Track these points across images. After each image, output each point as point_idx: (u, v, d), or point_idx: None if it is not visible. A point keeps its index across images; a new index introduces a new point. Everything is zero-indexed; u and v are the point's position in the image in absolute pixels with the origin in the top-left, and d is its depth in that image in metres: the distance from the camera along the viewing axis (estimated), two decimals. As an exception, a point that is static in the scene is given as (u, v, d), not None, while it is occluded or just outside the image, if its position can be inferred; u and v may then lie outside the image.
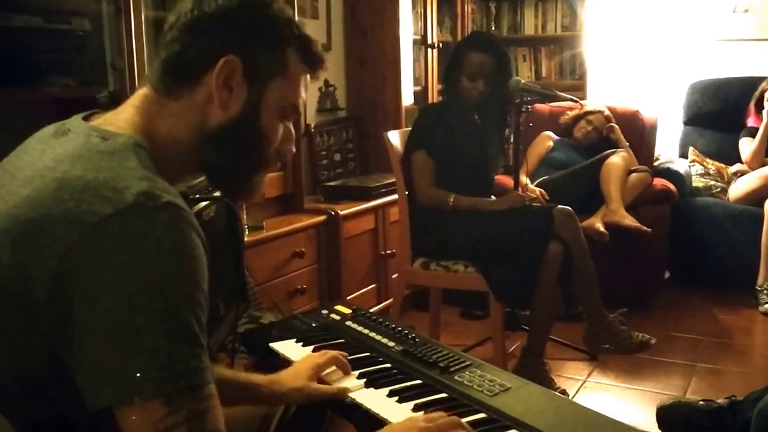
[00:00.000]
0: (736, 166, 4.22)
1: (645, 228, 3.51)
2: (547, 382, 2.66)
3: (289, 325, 1.61)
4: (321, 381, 1.33)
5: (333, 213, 3.27)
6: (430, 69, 4.24)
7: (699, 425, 2.29)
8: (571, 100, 3.16)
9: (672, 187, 3.87)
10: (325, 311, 1.67)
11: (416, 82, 4.19)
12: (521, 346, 2.86)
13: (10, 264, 0.86)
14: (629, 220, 3.53)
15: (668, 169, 4.11)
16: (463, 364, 1.33)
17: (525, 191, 3.30)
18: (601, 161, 3.69)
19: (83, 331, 0.83)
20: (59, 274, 0.83)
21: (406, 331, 1.49)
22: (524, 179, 3.57)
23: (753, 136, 4.12)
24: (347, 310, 1.65)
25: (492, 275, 2.70)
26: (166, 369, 0.83)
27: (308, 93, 3.86)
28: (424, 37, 4.20)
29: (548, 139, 4.06)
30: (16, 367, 0.88)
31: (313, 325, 1.59)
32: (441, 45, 4.31)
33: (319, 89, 3.82)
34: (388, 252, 3.57)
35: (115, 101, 1.05)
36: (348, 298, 3.27)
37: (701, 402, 2.36)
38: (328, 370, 1.35)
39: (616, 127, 4.04)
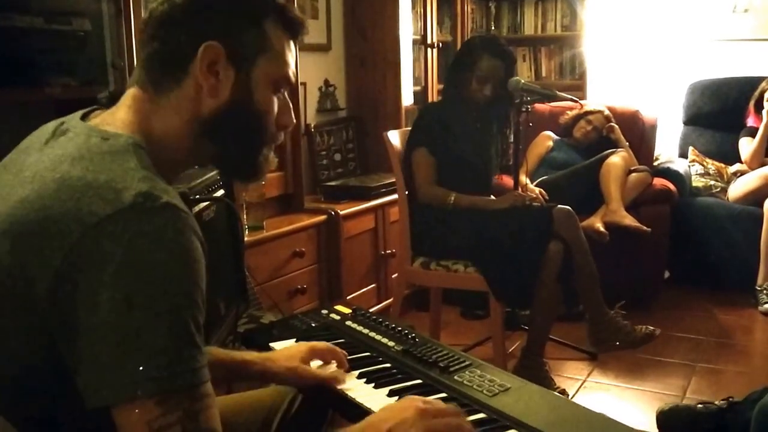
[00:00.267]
0: (736, 166, 4.22)
1: (645, 228, 3.52)
2: (547, 382, 2.66)
3: (289, 324, 1.62)
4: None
5: (333, 213, 3.27)
6: (430, 69, 4.24)
7: (700, 429, 2.29)
8: (571, 100, 3.16)
9: (672, 187, 3.87)
10: (325, 311, 1.67)
11: (416, 82, 4.19)
12: (521, 346, 2.86)
13: (10, 264, 0.86)
14: (629, 220, 3.53)
15: (668, 169, 4.11)
16: (462, 364, 1.33)
17: (525, 191, 3.30)
18: (600, 161, 3.69)
19: (83, 331, 0.83)
20: (60, 274, 0.83)
21: (406, 331, 1.50)
22: (524, 179, 3.57)
23: (753, 135, 4.13)
24: (347, 310, 1.65)
25: (492, 275, 2.70)
26: (164, 368, 0.83)
27: (307, 91, 3.87)
28: (424, 36, 4.20)
29: (548, 138, 4.06)
30: (17, 366, 0.89)
31: (313, 324, 1.60)
32: (441, 45, 4.31)
33: (319, 89, 3.82)
34: (388, 252, 3.57)
35: (115, 101, 1.05)
36: (348, 297, 3.28)
37: (699, 405, 2.36)
38: (328, 368, 1.35)
39: (616, 126, 4.04)
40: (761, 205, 3.79)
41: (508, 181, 3.30)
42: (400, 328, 1.51)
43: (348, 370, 1.35)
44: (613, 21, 4.86)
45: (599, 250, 3.06)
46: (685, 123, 4.63)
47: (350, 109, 4.06)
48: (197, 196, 1.76)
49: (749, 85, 4.29)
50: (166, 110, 1.01)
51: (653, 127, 4.23)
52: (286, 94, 1.09)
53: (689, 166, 4.31)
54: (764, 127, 4.03)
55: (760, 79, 4.22)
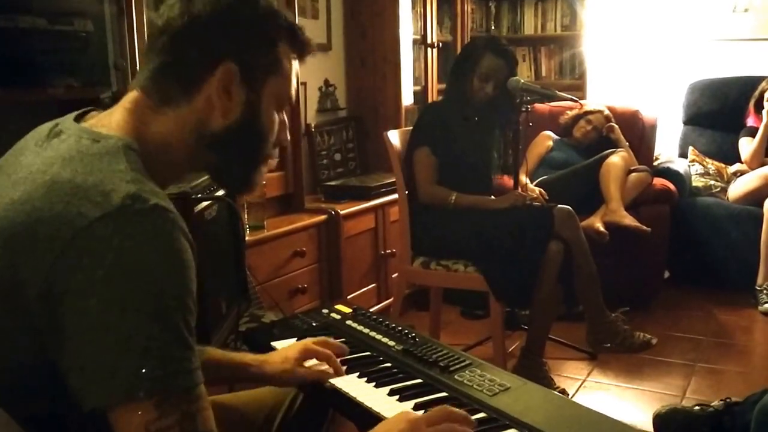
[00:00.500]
0: (736, 166, 4.22)
1: (645, 228, 3.52)
2: (547, 382, 2.66)
3: (290, 324, 1.62)
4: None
5: (333, 212, 3.28)
6: (430, 69, 4.24)
7: (698, 431, 2.29)
8: (571, 99, 3.16)
9: (672, 186, 3.87)
10: (325, 310, 1.67)
11: (416, 81, 4.19)
12: (521, 345, 2.87)
13: (1, 267, 0.86)
14: (629, 220, 3.54)
15: (668, 168, 4.11)
16: (463, 364, 1.34)
17: (525, 191, 3.30)
18: (600, 161, 3.70)
19: (75, 333, 0.83)
20: (51, 277, 0.83)
21: (407, 331, 1.50)
22: (524, 179, 3.57)
23: (753, 135, 4.13)
24: (347, 310, 1.66)
25: (492, 275, 2.71)
26: (157, 370, 0.83)
27: (308, 93, 3.87)
28: (424, 36, 4.21)
29: (548, 138, 4.06)
30: (15, 366, 0.89)
31: (314, 324, 1.60)
32: (441, 45, 4.32)
33: (319, 89, 3.83)
34: (388, 251, 3.58)
35: (117, 102, 1.05)
36: (348, 297, 3.28)
37: (696, 407, 2.35)
38: (322, 366, 1.35)
39: (616, 126, 4.05)
40: (761, 205, 3.80)
41: (508, 181, 3.30)
42: (400, 328, 1.52)
43: (344, 354, 1.37)
44: (613, 21, 4.87)
45: (599, 250, 3.07)
46: (685, 123, 4.63)
47: (350, 109, 4.06)
48: (198, 196, 1.77)
49: (749, 85, 4.30)
50: (169, 119, 1.01)
51: (653, 127, 4.24)
52: (284, 112, 1.10)
53: (689, 166, 4.32)
54: (764, 127, 4.03)
55: (760, 79, 4.22)
